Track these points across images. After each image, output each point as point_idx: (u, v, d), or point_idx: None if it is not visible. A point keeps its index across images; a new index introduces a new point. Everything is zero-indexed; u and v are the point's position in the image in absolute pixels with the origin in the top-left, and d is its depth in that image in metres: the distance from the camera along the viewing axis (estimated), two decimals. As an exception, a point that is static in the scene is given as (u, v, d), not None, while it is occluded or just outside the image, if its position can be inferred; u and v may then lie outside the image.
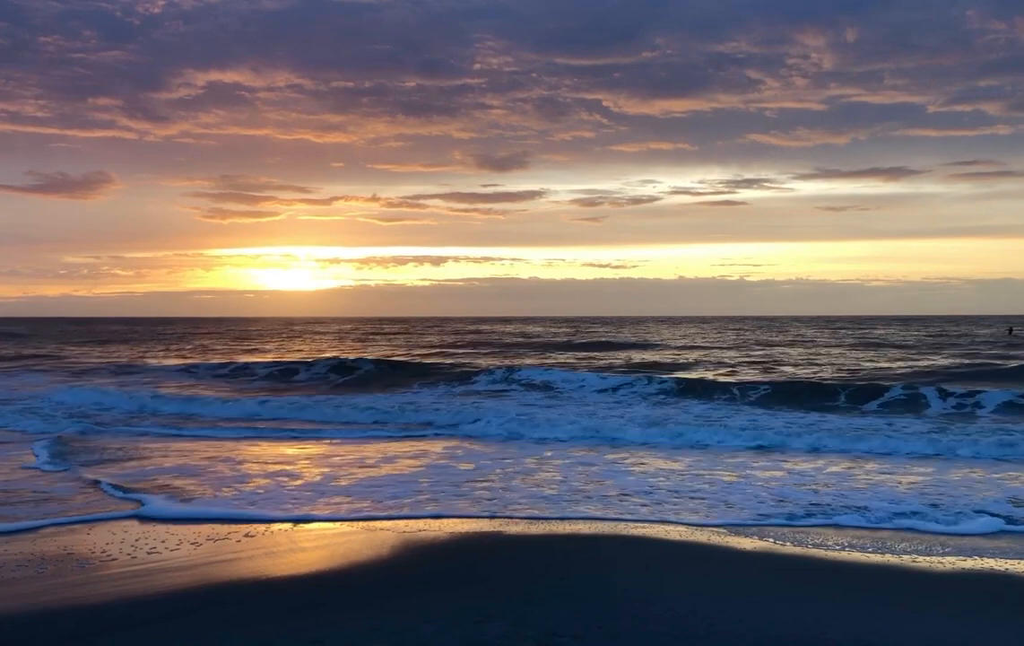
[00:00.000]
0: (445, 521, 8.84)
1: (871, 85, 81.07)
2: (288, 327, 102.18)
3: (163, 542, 7.98)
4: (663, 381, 24.61)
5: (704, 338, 61.00)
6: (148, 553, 7.56)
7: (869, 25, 72.68)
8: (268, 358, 40.01)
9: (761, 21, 73.05)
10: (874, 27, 72.97)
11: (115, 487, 10.56)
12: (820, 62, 74.50)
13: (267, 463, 12.56)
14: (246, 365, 34.15)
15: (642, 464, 12.51)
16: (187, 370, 33.23)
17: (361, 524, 8.76)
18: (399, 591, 6.51)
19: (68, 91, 76.69)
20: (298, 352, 46.71)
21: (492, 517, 9.02)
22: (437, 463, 12.60)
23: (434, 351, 46.81)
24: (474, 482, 11.04)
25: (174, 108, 79.55)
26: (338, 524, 8.78)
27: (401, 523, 8.78)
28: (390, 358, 37.17)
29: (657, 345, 50.70)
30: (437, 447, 14.38)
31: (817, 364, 34.49)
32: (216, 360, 37.95)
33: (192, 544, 7.92)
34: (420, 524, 8.73)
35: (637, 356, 40.83)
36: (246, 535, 8.27)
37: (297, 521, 8.85)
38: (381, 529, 8.52)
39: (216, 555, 7.53)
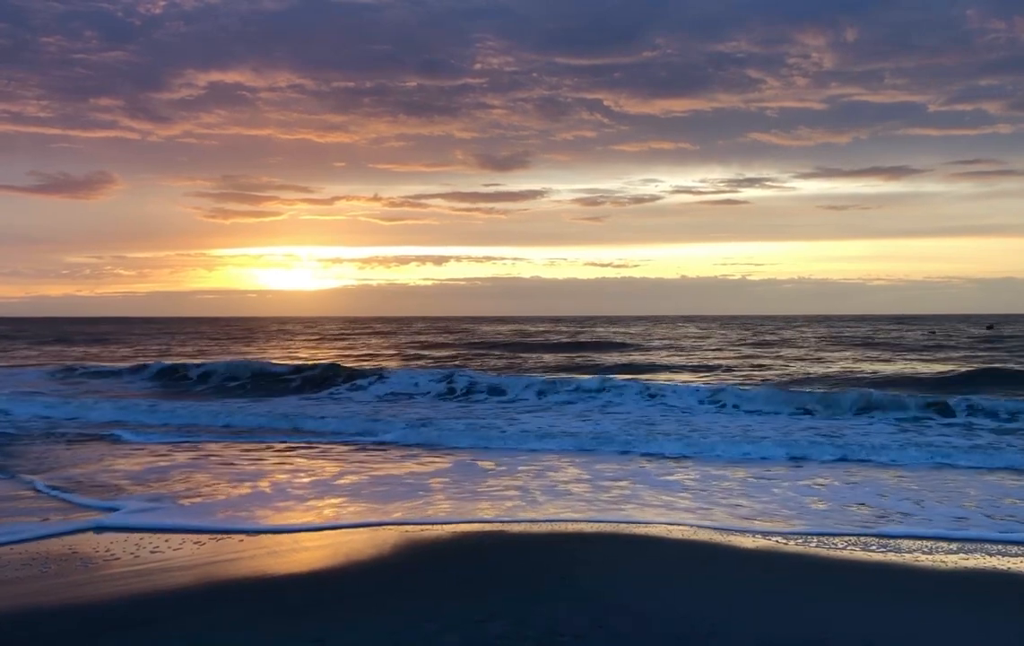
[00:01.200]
0: (448, 521, 8.84)
1: (872, 84, 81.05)
2: (274, 327, 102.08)
3: (166, 541, 7.97)
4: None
5: (691, 339, 61.04)
6: (151, 552, 7.55)
7: (869, 25, 72.68)
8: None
9: (761, 21, 73.02)
10: (874, 27, 72.97)
11: None
12: (820, 61, 74.47)
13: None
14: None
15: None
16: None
17: (363, 527, 8.75)
18: (401, 590, 6.50)
19: (70, 91, 76.45)
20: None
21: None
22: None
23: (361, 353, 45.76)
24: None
25: (176, 108, 79.27)
26: (340, 524, 8.76)
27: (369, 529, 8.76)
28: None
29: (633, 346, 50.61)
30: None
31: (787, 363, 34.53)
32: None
33: (195, 544, 7.91)
34: (421, 527, 8.72)
35: (608, 358, 40.81)
36: (248, 534, 8.26)
37: None
38: (383, 528, 8.52)
39: (218, 555, 7.53)
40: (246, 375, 28.54)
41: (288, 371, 29.24)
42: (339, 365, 30.56)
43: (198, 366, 30.96)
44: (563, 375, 27.98)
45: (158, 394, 25.75)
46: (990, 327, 68.67)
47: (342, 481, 11.13)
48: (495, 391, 23.34)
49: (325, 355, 41.17)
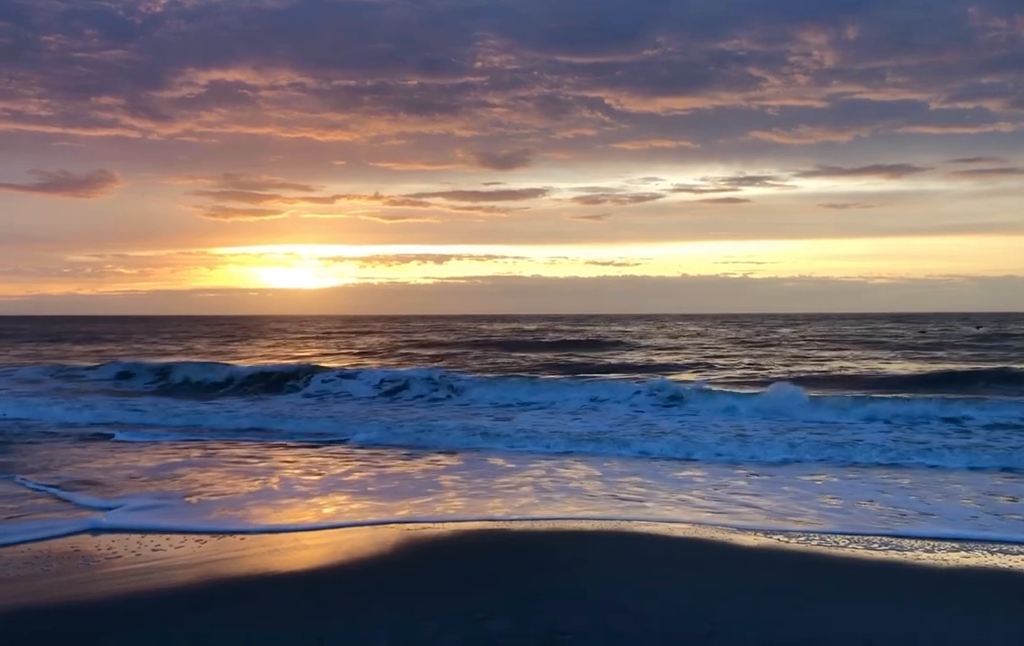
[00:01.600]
0: (448, 519, 8.84)
1: (873, 83, 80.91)
2: (272, 326, 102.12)
3: (167, 539, 7.97)
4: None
5: (683, 337, 61.05)
6: (152, 551, 7.55)
7: (870, 23, 72.56)
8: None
9: (762, 19, 72.94)
10: (875, 25, 72.86)
11: None
12: (822, 60, 74.33)
13: None
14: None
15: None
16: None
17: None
18: (401, 588, 6.50)
19: (71, 90, 76.34)
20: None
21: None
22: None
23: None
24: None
25: (176, 107, 79.10)
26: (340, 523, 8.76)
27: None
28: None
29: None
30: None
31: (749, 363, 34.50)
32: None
33: (196, 542, 7.91)
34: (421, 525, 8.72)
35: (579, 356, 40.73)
36: (248, 533, 8.26)
37: None
38: (384, 527, 8.52)
39: (219, 553, 7.53)
40: (238, 376, 28.44)
41: (278, 370, 29.10)
42: (317, 365, 30.39)
43: (190, 366, 30.92)
44: (558, 374, 27.97)
45: (153, 393, 25.75)
46: (979, 327, 68.95)
47: (346, 479, 11.14)
48: (490, 390, 23.23)
49: (318, 355, 41.24)
